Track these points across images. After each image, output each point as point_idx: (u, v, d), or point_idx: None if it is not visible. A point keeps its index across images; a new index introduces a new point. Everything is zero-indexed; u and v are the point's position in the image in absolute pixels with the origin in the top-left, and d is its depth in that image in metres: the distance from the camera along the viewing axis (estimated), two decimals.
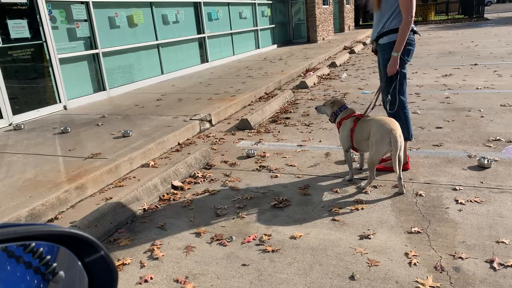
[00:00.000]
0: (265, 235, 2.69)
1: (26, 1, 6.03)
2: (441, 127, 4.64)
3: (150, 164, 4.15)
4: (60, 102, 6.60)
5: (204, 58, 10.79)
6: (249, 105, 6.71)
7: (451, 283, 2.08)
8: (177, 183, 3.57)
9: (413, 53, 3.42)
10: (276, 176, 3.66)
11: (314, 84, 8.19)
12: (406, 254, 2.35)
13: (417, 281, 2.11)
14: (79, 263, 0.60)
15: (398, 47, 3.24)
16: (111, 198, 3.33)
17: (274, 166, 3.89)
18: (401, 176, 3.11)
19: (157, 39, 8.89)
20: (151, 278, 2.34)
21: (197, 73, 9.82)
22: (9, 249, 0.54)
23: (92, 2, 7.15)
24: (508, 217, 2.65)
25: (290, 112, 6.01)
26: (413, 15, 3.17)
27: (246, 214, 3.00)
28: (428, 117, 5.10)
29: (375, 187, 3.27)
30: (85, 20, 7.11)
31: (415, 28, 3.34)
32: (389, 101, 3.44)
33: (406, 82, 3.48)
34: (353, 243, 2.52)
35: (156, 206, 3.25)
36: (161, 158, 4.36)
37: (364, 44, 15.04)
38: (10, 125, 5.74)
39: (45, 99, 6.43)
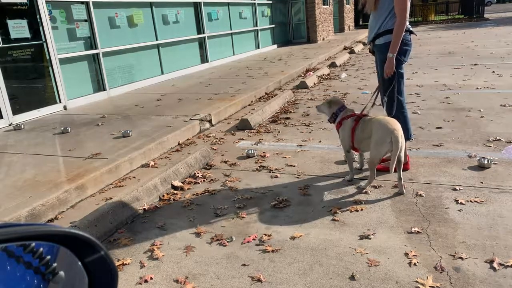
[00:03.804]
0: (265, 235, 2.69)
1: (26, 1, 6.03)
2: (441, 127, 4.64)
3: (150, 164, 4.15)
4: (60, 102, 6.60)
5: (204, 58, 10.79)
6: (249, 105, 6.71)
7: (451, 283, 2.08)
8: (177, 183, 3.57)
9: (410, 53, 3.43)
10: (276, 176, 3.66)
11: (314, 84, 8.19)
12: (406, 254, 2.35)
13: (417, 281, 2.11)
14: (79, 263, 0.60)
15: (393, 48, 3.25)
16: (111, 198, 3.33)
17: (274, 166, 3.89)
18: (401, 176, 3.11)
19: (157, 39, 8.90)
20: (151, 278, 2.34)
21: (197, 73, 9.82)
22: (9, 249, 0.54)
23: (92, 2, 7.15)
24: (508, 217, 2.65)
25: (290, 112, 6.01)
26: (407, 16, 3.18)
27: (246, 214, 3.00)
28: (428, 117, 5.10)
29: (375, 187, 3.27)
30: (85, 20, 7.11)
31: (411, 28, 3.35)
32: (385, 102, 3.45)
33: (404, 82, 3.48)
34: (353, 243, 2.52)
35: (156, 206, 3.25)
36: (161, 158, 4.36)
37: (364, 44, 15.04)
38: (10, 125, 5.74)
39: (45, 99, 6.43)
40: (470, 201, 2.91)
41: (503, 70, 7.75)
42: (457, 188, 3.13)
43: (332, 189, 3.31)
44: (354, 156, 3.53)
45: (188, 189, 3.55)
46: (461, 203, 2.89)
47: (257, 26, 13.90)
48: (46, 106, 6.39)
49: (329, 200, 3.13)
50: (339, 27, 21.36)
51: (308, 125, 5.21)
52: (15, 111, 5.88)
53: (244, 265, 2.40)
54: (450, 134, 4.40)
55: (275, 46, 15.38)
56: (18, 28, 5.93)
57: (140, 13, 8.36)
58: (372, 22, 3.45)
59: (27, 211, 2.98)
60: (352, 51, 13.15)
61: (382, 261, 2.31)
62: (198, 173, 3.85)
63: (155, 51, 8.91)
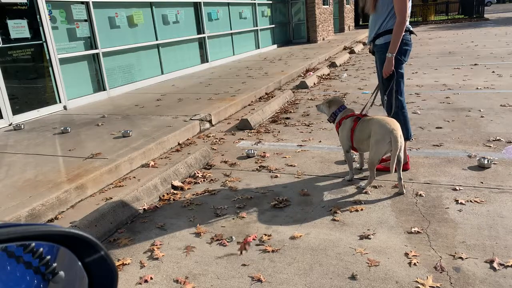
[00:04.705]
0: (265, 235, 2.69)
1: (26, 1, 6.03)
2: (441, 127, 4.64)
3: (150, 164, 4.15)
4: (60, 102, 6.60)
5: (204, 58, 10.79)
6: (249, 105, 6.71)
7: (451, 283, 2.08)
8: (177, 183, 3.57)
9: (410, 53, 3.43)
10: (276, 176, 3.66)
11: (314, 84, 8.19)
12: (406, 254, 2.35)
13: (417, 281, 2.11)
14: (79, 263, 0.60)
15: (393, 48, 3.25)
16: (111, 198, 3.33)
17: (274, 166, 3.89)
18: (401, 176, 3.11)
19: (157, 39, 8.89)
20: (151, 278, 2.34)
21: (197, 73, 9.82)
22: (9, 249, 0.54)
23: (92, 2, 7.15)
24: (508, 217, 2.65)
25: (290, 112, 6.01)
26: (406, 16, 3.18)
27: (246, 214, 3.00)
28: (428, 117, 5.10)
29: (375, 187, 3.27)
30: (85, 20, 7.11)
31: (411, 28, 3.35)
32: (385, 101, 3.45)
33: (404, 82, 3.48)
34: (353, 243, 2.52)
35: (156, 206, 3.25)
36: (161, 158, 4.36)
37: (364, 44, 15.04)
38: (10, 125, 5.74)
39: (45, 99, 6.43)
40: (470, 201, 2.91)
41: (503, 70, 7.75)
42: (457, 188, 3.13)
43: (332, 189, 3.31)
44: (354, 156, 3.53)
45: (188, 189, 3.55)
46: (461, 203, 2.89)
47: (257, 26, 13.90)
48: (46, 106, 6.39)
49: (329, 200, 3.13)
50: (339, 27, 21.36)
51: (308, 125, 5.21)
52: (15, 111, 5.88)
53: (244, 265, 2.40)
54: (450, 134, 4.40)
55: (275, 46, 15.38)
56: (18, 28, 5.93)
57: (140, 13, 8.36)
58: (372, 22, 3.46)
59: (27, 211, 2.98)
60: (352, 51, 13.15)
61: (382, 261, 2.31)
62: (198, 173, 3.85)
63: (155, 51, 8.91)
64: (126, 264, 2.51)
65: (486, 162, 3.44)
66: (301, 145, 4.44)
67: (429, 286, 2.06)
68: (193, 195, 3.42)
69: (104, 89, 7.50)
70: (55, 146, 4.59)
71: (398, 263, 2.29)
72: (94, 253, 0.60)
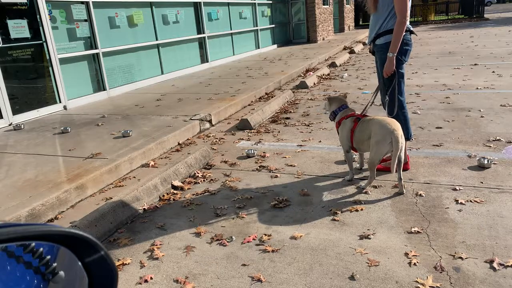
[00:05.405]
0: (265, 235, 2.69)
1: (26, 1, 6.03)
2: (441, 127, 4.64)
3: (150, 164, 4.15)
4: (60, 102, 6.60)
5: (204, 58, 10.79)
6: (249, 105, 6.71)
7: (451, 283, 2.08)
8: (177, 183, 3.57)
9: (410, 53, 3.43)
10: (276, 176, 3.66)
11: (314, 84, 8.19)
12: (406, 254, 2.35)
13: (417, 281, 2.11)
14: (79, 263, 0.60)
15: (393, 48, 3.25)
16: (111, 198, 3.33)
17: (274, 166, 3.89)
18: (401, 176, 3.10)
19: (157, 39, 8.90)
20: (151, 278, 2.34)
21: (197, 73, 9.82)
22: (9, 249, 0.54)
23: (92, 2, 7.15)
24: (508, 217, 2.65)
25: (290, 112, 6.01)
26: (407, 16, 3.18)
27: (246, 214, 3.00)
28: (428, 117, 5.10)
29: (375, 187, 3.27)
30: (85, 20, 7.11)
31: (411, 28, 3.35)
32: (387, 101, 3.45)
33: (404, 82, 3.48)
34: (353, 243, 2.52)
35: (156, 206, 3.25)
36: (161, 158, 4.36)
37: (364, 44, 15.04)
38: (10, 125, 5.74)
39: (45, 99, 6.43)
40: (470, 201, 2.91)
41: (503, 70, 7.75)
42: (457, 188, 3.13)
43: (332, 189, 3.31)
44: (353, 156, 3.53)
45: (188, 189, 3.55)
46: (461, 203, 2.89)
47: (257, 26, 13.90)
48: (46, 106, 6.39)
49: (329, 200, 3.13)
50: (339, 27, 21.37)
51: (308, 125, 5.21)
52: (15, 111, 5.88)
53: (244, 265, 2.40)
54: (450, 134, 4.40)
55: (275, 46, 15.38)
56: (18, 28, 5.93)
57: (140, 13, 8.36)
58: (372, 22, 3.46)
59: (27, 211, 2.98)
60: (352, 51, 13.15)
61: (382, 261, 2.32)
62: (198, 173, 3.85)
63: (155, 51, 8.91)
64: (126, 264, 2.51)
65: (486, 162, 3.44)
66: (301, 145, 4.43)
67: (429, 286, 2.06)
68: (193, 195, 3.42)
69: (104, 89, 7.50)
70: (55, 146, 4.59)
71: (398, 263, 2.29)
72: (94, 253, 0.60)
